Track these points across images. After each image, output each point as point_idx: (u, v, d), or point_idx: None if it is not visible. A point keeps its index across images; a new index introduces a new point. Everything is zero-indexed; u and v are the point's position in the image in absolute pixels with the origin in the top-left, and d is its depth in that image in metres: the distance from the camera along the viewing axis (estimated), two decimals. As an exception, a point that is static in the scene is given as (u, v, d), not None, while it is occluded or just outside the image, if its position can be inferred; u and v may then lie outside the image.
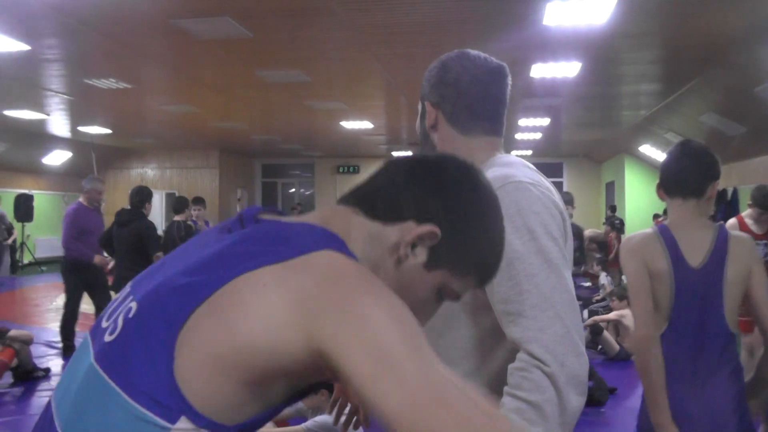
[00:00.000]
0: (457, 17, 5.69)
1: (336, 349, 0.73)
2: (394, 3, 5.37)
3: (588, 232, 5.98)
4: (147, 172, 18.39)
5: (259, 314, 0.75)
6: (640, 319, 2.17)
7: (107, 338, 0.82)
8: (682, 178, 2.24)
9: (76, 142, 15.35)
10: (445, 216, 0.90)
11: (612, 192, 17.01)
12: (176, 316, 0.76)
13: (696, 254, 2.17)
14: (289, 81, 8.55)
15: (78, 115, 11.87)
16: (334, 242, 0.85)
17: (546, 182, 1.35)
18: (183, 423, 0.74)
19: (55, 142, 15.12)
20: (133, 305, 0.82)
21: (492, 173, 1.26)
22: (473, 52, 1.42)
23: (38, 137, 14.47)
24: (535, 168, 1.39)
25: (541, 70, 7.59)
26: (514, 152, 16.08)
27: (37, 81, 8.80)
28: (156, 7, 5.52)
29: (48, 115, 11.71)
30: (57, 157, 16.01)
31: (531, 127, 12.53)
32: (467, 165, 0.95)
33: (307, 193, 20.75)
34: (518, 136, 13.89)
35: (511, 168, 1.32)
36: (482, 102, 1.40)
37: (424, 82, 1.46)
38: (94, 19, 5.84)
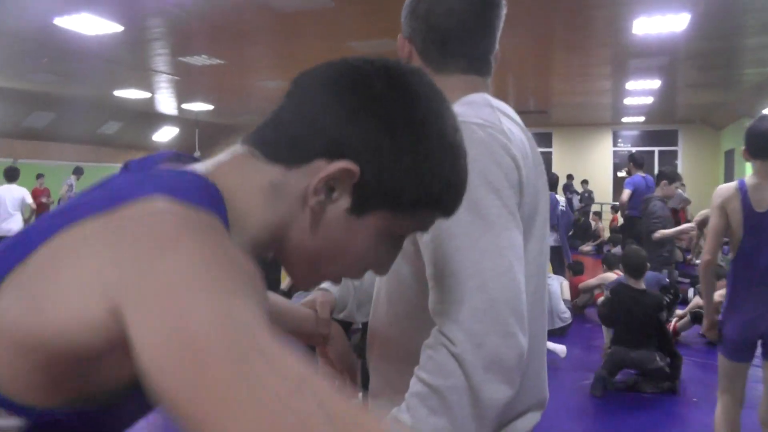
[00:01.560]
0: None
1: (130, 328, 0.54)
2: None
3: (698, 217, 5.42)
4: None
5: (58, 283, 0.58)
6: (707, 248, 3.15)
7: None
8: (763, 143, 2.92)
9: (181, 120, 16.09)
10: (363, 144, 0.70)
11: (731, 161, 15.73)
12: None
13: (761, 203, 2.95)
14: (381, 50, 8.43)
15: (181, 93, 12.34)
16: (188, 191, 0.64)
17: (512, 125, 1.14)
18: None
19: (163, 119, 15.89)
20: None
21: None
22: None
23: (147, 116, 15.25)
24: (508, 110, 1.19)
25: (644, 26, 7.02)
26: (624, 119, 15.10)
27: (138, 61, 9.19)
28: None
29: (153, 93, 12.23)
30: (165, 134, 16.84)
31: (640, 90, 11.75)
32: (396, 68, 0.74)
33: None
34: (627, 101, 13.10)
35: (468, 107, 1.12)
36: (458, 37, 1.20)
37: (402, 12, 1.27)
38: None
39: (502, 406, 0.95)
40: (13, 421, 0.61)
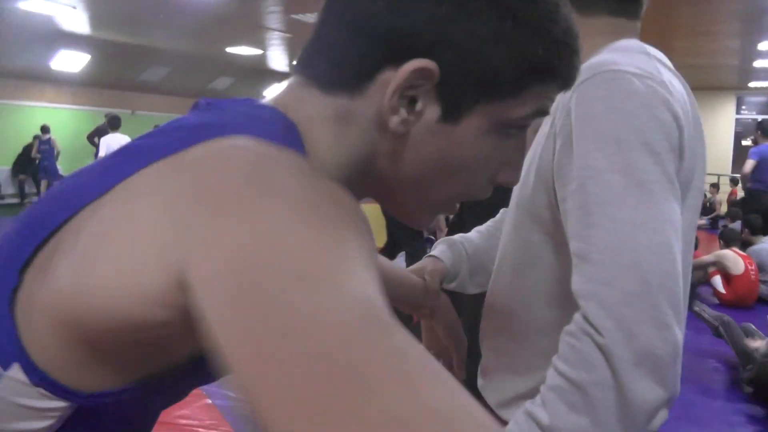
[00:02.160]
0: None
1: (198, 291, 0.43)
2: None
3: None
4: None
5: (117, 243, 0.49)
6: None
7: None
8: None
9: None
10: (430, 28, 0.56)
11: None
12: (24, 245, 0.54)
13: None
14: None
15: (293, 50, 12.49)
16: (267, 128, 0.54)
17: (672, 77, 0.97)
18: (15, 372, 0.54)
19: (274, 76, 16.22)
20: None
21: (592, 60, 0.93)
22: None
23: (259, 72, 15.59)
24: (666, 60, 1.02)
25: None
26: (752, 83, 14.06)
27: (251, 18, 9.34)
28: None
29: (265, 50, 12.46)
30: (276, 91, 17.24)
31: (774, 52, 10.82)
32: None
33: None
34: (758, 63, 12.14)
35: (620, 54, 0.95)
36: None
37: None
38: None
39: (654, 409, 0.81)
40: (58, 403, 0.55)
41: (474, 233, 1.30)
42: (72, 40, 11.80)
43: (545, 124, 0.99)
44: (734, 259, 6.32)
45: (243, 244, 0.42)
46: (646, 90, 0.88)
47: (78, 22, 10.45)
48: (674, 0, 7.89)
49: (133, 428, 0.63)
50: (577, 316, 0.84)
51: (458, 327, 1.13)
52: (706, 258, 6.77)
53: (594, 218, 0.84)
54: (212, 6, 8.40)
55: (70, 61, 12.87)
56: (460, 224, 2.61)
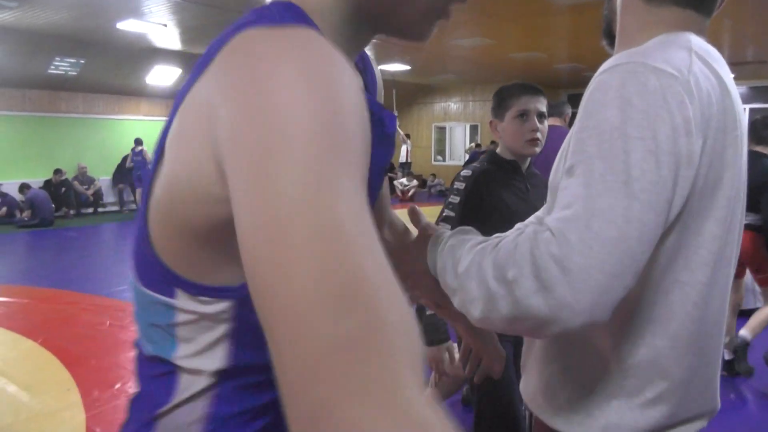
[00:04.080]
0: None
1: (226, 169, 0.51)
2: None
3: None
4: (450, 106, 19.45)
5: (185, 135, 0.58)
6: None
7: None
8: None
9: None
10: None
11: None
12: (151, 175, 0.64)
13: None
14: (586, 1, 7.77)
15: (379, 54, 12.34)
16: (271, 14, 0.60)
17: (709, 79, 0.94)
18: (181, 298, 0.63)
19: (362, 81, 16.10)
20: None
21: (630, 50, 0.95)
22: None
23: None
24: (714, 59, 0.99)
25: None
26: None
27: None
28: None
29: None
30: None
31: None
32: None
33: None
34: None
35: (658, 47, 0.96)
36: None
37: None
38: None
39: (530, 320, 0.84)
40: (219, 306, 0.63)
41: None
42: (164, 55, 12.13)
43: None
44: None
45: (259, 135, 0.47)
46: (662, 89, 0.88)
47: (169, 38, 10.69)
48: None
49: None
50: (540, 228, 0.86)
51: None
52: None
53: (570, 200, 0.86)
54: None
55: (163, 76, 13.27)
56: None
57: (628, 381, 1.00)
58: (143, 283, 0.66)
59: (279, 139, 0.46)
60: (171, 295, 0.63)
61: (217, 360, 0.66)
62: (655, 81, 0.88)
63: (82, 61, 11.60)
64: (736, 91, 1.01)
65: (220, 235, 0.57)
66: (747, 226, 3.99)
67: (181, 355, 0.66)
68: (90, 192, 13.40)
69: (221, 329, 0.64)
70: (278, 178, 0.45)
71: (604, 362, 1.01)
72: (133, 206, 13.74)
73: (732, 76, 1.03)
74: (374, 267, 0.43)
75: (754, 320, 4.21)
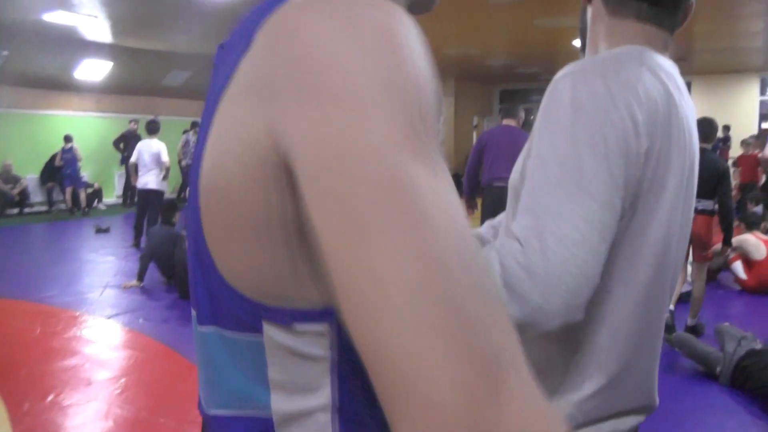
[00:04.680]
0: None
1: (291, 155, 0.45)
2: None
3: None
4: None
5: (232, 120, 0.50)
6: None
7: None
8: None
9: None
10: None
11: None
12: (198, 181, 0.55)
13: None
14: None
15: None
16: None
17: (655, 86, 0.99)
18: (269, 328, 0.53)
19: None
20: None
21: (585, 59, 1.02)
22: None
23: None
24: (665, 70, 1.03)
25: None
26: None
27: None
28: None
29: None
30: None
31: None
32: None
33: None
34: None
35: (610, 56, 1.01)
36: None
37: None
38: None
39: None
40: (317, 327, 0.53)
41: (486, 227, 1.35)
42: (95, 48, 11.94)
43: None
44: (756, 243, 6.24)
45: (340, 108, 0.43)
46: (611, 94, 0.93)
47: (100, 31, 10.54)
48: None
49: None
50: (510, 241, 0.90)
51: None
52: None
53: (531, 205, 0.90)
54: (230, 8, 8.46)
55: (94, 70, 13.00)
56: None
57: (570, 377, 1.02)
58: (221, 324, 0.56)
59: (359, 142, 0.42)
60: (256, 328, 0.54)
61: (321, 400, 0.55)
62: (605, 87, 0.94)
63: (5, 53, 11.22)
64: (689, 104, 1.08)
65: (287, 234, 0.50)
66: (701, 212, 4.55)
67: (277, 405, 0.55)
68: (15, 191, 12.89)
69: (322, 363, 0.54)
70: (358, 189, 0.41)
71: (551, 361, 1.03)
72: (63, 206, 13.20)
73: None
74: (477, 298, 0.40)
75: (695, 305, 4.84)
